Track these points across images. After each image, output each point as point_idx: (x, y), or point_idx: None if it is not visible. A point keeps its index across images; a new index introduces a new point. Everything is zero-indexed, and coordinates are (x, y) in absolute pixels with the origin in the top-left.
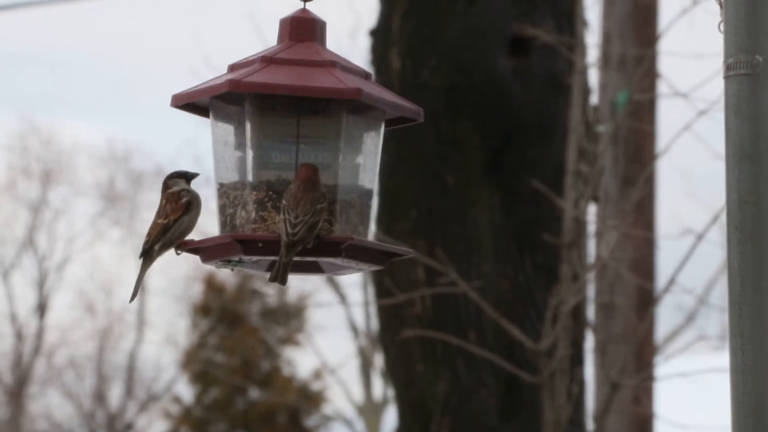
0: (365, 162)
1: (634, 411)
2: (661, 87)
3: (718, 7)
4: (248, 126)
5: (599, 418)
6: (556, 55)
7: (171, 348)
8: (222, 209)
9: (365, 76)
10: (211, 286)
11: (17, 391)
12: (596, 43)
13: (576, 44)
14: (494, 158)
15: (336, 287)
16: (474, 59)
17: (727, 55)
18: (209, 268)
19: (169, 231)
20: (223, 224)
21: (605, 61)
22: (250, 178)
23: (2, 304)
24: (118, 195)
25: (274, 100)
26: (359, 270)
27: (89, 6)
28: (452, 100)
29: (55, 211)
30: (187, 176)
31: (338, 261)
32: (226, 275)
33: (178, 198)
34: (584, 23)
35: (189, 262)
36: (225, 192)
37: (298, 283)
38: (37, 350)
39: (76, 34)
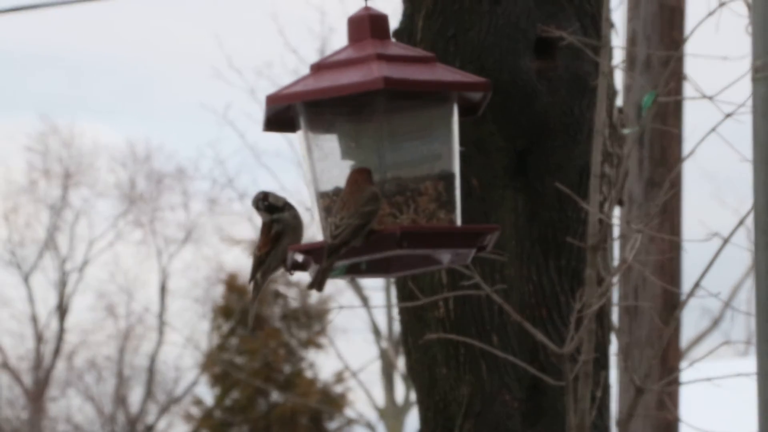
0: (436, 148)
1: (658, 415)
2: (687, 89)
3: (746, 8)
4: (308, 135)
5: (623, 423)
6: (582, 57)
7: (192, 350)
8: (319, 221)
9: (425, 60)
10: (233, 288)
11: (38, 393)
12: (622, 45)
13: (602, 46)
14: (518, 160)
15: (358, 290)
16: (498, 60)
17: (754, 58)
18: (230, 269)
19: (264, 263)
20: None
21: (631, 63)
22: (317, 188)
23: (23, 306)
24: (139, 196)
25: (322, 107)
26: (459, 260)
27: (110, 7)
28: None
29: (76, 212)
30: (278, 200)
31: (417, 252)
32: (246, 278)
33: (269, 228)
34: (611, 25)
35: (210, 263)
36: (317, 203)
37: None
38: (57, 352)
39: (97, 35)
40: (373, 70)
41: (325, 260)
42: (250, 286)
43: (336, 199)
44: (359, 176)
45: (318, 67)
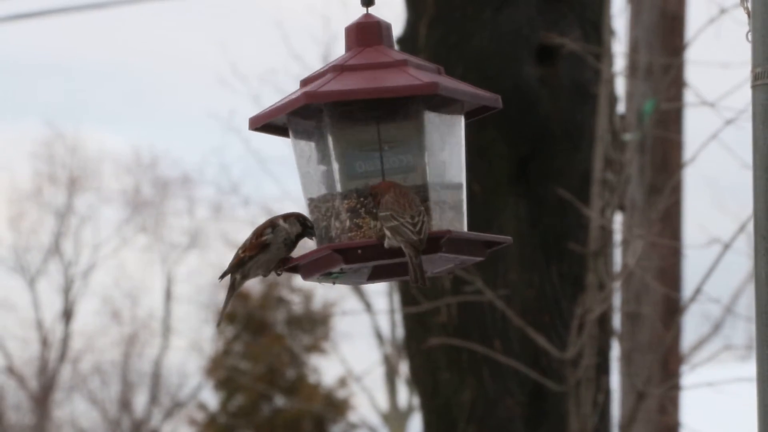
0: (450, 157)
1: (660, 420)
2: (688, 96)
3: (746, 16)
4: (330, 137)
5: (625, 427)
6: (583, 64)
7: (196, 355)
8: (315, 224)
9: (437, 70)
10: (237, 293)
11: (43, 398)
12: (623, 51)
13: (603, 53)
14: (520, 167)
15: (361, 295)
16: (501, 67)
17: (754, 65)
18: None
19: (245, 266)
20: (320, 238)
21: (632, 70)
22: (339, 188)
23: (28, 311)
24: (143, 202)
25: (351, 108)
26: (460, 265)
27: (116, 14)
28: None
29: (81, 218)
30: (306, 225)
31: (439, 257)
32: (252, 283)
33: (260, 235)
34: (611, 32)
35: (214, 269)
36: (316, 206)
37: (323, 290)
38: (62, 357)
39: (102, 43)
40: (419, 76)
41: (417, 256)
42: (221, 282)
43: (365, 201)
44: (393, 182)
45: (341, 69)
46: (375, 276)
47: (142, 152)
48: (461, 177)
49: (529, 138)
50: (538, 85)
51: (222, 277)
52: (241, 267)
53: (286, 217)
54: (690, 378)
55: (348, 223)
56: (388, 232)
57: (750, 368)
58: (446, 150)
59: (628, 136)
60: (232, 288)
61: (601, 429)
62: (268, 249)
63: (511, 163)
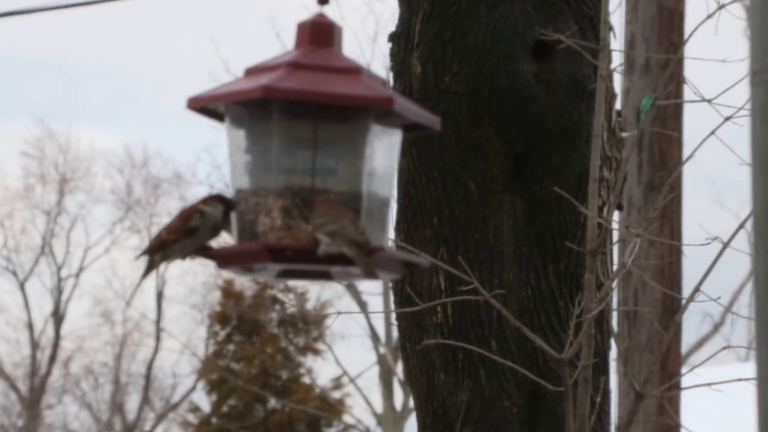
0: (383, 169)
1: (659, 421)
2: (687, 92)
3: (744, 11)
4: (273, 132)
5: (623, 428)
6: (580, 60)
7: (189, 356)
8: (240, 215)
9: (383, 83)
10: (229, 294)
11: (34, 401)
12: (620, 47)
13: (600, 49)
14: (516, 164)
15: (356, 295)
16: (496, 64)
17: (753, 61)
18: (228, 275)
19: (167, 248)
20: (241, 231)
21: (629, 66)
22: (273, 185)
23: (19, 312)
24: (135, 201)
25: (296, 106)
26: (369, 280)
27: (107, 12)
28: (474, 106)
29: (73, 218)
30: (228, 204)
31: (354, 270)
32: (245, 282)
33: (188, 218)
34: (609, 27)
35: (207, 269)
36: (243, 198)
37: (317, 290)
38: (53, 359)
39: (93, 41)
40: (374, 87)
41: (365, 254)
42: (139, 259)
43: (299, 203)
44: (323, 198)
45: (296, 66)
46: (284, 275)
47: (134, 151)
48: (391, 192)
49: (525, 135)
50: (534, 82)
51: (139, 256)
52: (163, 249)
53: (206, 200)
54: (689, 378)
55: (279, 222)
56: (326, 238)
57: (750, 368)
58: (379, 161)
59: (625, 134)
60: (149, 268)
61: (599, 430)
62: (195, 234)
63: (507, 161)
